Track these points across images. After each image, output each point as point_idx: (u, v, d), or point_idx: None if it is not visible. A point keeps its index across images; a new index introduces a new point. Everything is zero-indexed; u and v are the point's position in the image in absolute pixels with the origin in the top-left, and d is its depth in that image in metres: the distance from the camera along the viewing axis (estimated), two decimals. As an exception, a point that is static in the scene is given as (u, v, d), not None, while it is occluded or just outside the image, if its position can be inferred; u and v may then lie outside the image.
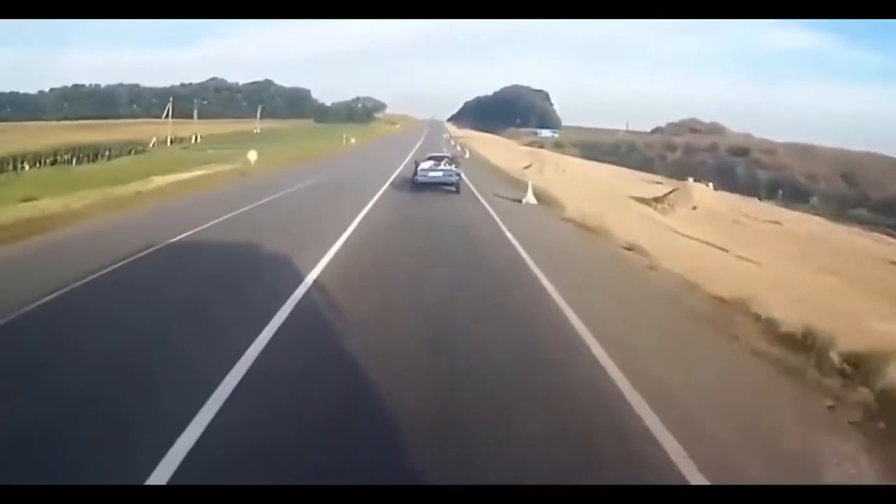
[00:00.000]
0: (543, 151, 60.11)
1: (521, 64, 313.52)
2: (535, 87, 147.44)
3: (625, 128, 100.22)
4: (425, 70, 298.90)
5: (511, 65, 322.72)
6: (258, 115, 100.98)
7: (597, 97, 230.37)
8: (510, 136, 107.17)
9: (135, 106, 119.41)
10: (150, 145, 60.19)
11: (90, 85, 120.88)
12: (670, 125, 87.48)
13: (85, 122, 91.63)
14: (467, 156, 39.13)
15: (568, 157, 56.80)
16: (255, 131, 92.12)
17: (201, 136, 71.22)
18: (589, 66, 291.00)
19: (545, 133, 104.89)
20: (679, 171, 43.39)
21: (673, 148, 63.26)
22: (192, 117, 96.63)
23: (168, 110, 72.83)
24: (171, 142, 64.43)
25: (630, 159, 64.19)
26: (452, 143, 63.99)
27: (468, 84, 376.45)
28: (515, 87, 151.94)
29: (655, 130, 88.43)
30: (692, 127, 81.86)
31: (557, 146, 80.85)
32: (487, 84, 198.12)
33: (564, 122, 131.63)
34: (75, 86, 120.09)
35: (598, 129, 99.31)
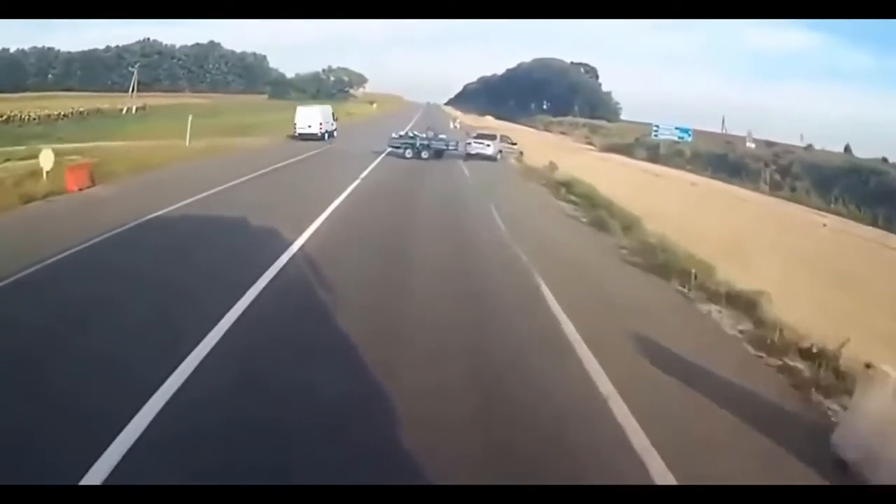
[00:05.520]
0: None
1: (546, 33, 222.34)
2: (572, 59, 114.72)
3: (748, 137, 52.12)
4: (419, 41, 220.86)
5: (530, 35, 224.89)
6: (132, 86, 72.82)
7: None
8: (546, 127, 76.44)
9: (49, 75, 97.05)
10: None
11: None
12: None
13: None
14: None
15: None
16: (125, 110, 62.18)
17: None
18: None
19: (667, 133, 48.07)
20: None
21: None
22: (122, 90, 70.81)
23: None
24: None
25: None
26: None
27: (473, 61, 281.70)
28: (542, 62, 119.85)
29: None
30: None
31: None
32: (495, 63, 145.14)
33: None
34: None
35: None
